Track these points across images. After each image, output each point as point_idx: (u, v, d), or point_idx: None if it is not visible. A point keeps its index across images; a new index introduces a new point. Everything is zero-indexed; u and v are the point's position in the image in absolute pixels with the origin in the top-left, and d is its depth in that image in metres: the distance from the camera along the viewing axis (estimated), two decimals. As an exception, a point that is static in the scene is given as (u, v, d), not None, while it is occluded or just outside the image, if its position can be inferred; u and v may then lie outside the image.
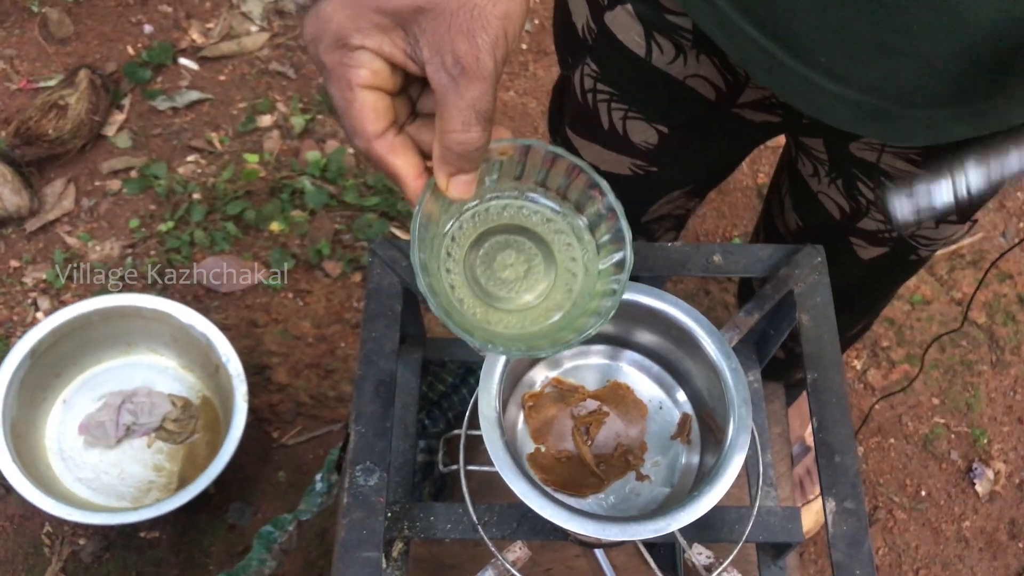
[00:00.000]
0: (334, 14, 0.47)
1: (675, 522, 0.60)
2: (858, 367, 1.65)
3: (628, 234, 0.55)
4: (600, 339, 0.73)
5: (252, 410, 1.51)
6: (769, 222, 1.08)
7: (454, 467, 0.70)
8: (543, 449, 0.71)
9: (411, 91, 0.53)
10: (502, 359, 0.65)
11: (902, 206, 0.53)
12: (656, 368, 0.73)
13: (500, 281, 0.57)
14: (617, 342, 0.73)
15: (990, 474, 1.57)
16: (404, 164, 0.51)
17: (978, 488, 1.56)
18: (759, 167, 1.84)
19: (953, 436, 1.61)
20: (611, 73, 0.81)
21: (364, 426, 0.72)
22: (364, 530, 0.69)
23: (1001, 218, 1.81)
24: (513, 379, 0.72)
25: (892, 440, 1.60)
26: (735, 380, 0.64)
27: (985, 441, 1.60)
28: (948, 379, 1.65)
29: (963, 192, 0.53)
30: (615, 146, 0.90)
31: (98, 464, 1.44)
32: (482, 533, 0.69)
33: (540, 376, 0.73)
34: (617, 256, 0.55)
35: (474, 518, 0.69)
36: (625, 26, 0.75)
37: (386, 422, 0.73)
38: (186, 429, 1.48)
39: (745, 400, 0.64)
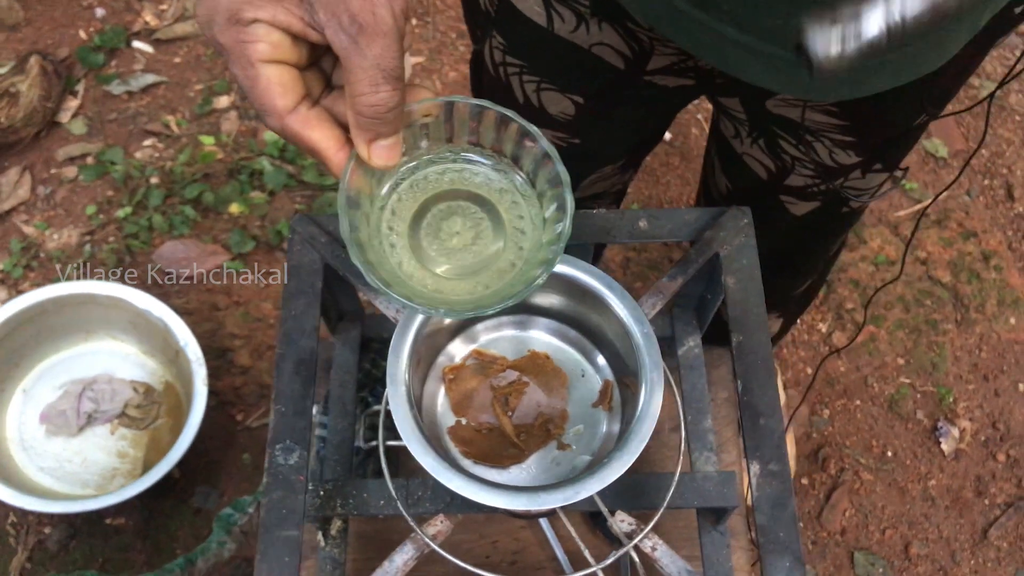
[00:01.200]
0: None
1: (584, 489, 0.60)
2: (823, 330, 1.65)
3: (565, 176, 0.52)
4: (519, 309, 0.72)
5: (215, 393, 1.51)
6: (705, 186, 1.07)
7: (374, 443, 0.69)
8: (464, 422, 0.70)
9: (323, 64, 0.51)
10: (412, 332, 0.64)
11: (824, 38, 0.44)
12: (574, 333, 0.72)
13: (449, 250, 0.55)
14: (534, 311, 0.72)
15: (955, 432, 1.58)
16: (322, 137, 0.49)
17: (944, 447, 1.56)
18: (722, 132, 1.83)
19: (919, 396, 1.61)
20: (517, 45, 0.80)
21: (284, 405, 0.72)
22: (284, 509, 0.69)
23: (966, 176, 1.80)
24: (433, 353, 0.72)
25: (858, 401, 1.60)
26: (647, 345, 0.64)
27: (951, 400, 1.60)
28: (913, 339, 1.65)
29: (895, 17, 0.44)
30: (533, 119, 0.88)
31: (61, 453, 1.44)
32: (402, 509, 0.68)
33: (460, 350, 0.73)
34: (556, 202, 0.54)
35: (392, 492, 0.68)
36: None
37: (306, 400, 0.72)
38: (149, 415, 1.47)
39: (656, 364, 0.63)
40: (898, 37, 0.45)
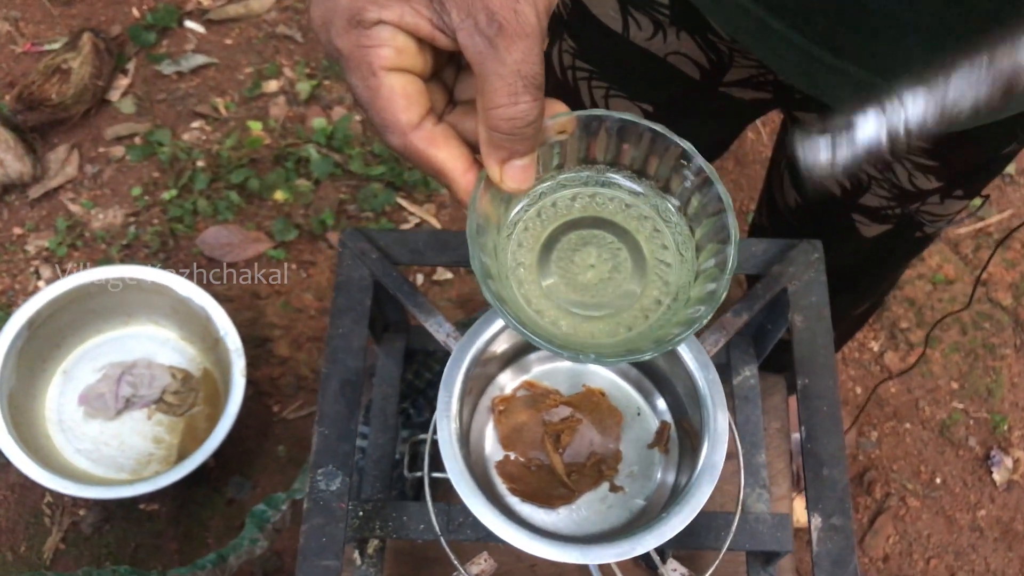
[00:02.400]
0: None
1: (640, 545, 0.57)
2: (875, 349, 1.59)
3: (727, 199, 0.45)
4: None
5: (253, 383, 1.50)
6: (770, 198, 1.03)
7: (419, 474, 0.67)
8: (512, 457, 0.67)
9: (445, 76, 0.45)
10: (465, 364, 0.62)
11: (812, 146, 0.42)
12: (635, 372, 0.69)
13: (583, 286, 0.48)
14: (593, 345, 0.69)
15: (1009, 462, 1.52)
16: (449, 156, 0.43)
17: (996, 476, 1.51)
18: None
19: (971, 422, 1.55)
20: (588, 50, 0.76)
21: (328, 428, 0.69)
22: (324, 537, 0.67)
23: (1033, 194, 1.73)
24: (483, 382, 0.69)
25: (908, 425, 1.55)
26: (712, 392, 0.60)
27: (1005, 428, 1.55)
28: (969, 363, 1.59)
29: (895, 126, 0.41)
30: None
31: (98, 436, 1.44)
32: (445, 545, 0.66)
33: (511, 379, 0.70)
34: (717, 228, 0.46)
35: (436, 529, 0.66)
36: (599, 0, 0.70)
37: (351, 423, 0.70)
38: (186, 402, 1.46)
39: (722, 413, 0.60)
40: (901, 143, 0.41)
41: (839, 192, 0.88)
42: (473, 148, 0.44)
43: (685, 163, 0.46)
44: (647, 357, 0.45)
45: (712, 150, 0.98)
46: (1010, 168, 1.74)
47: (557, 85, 0.84)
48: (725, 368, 0.89)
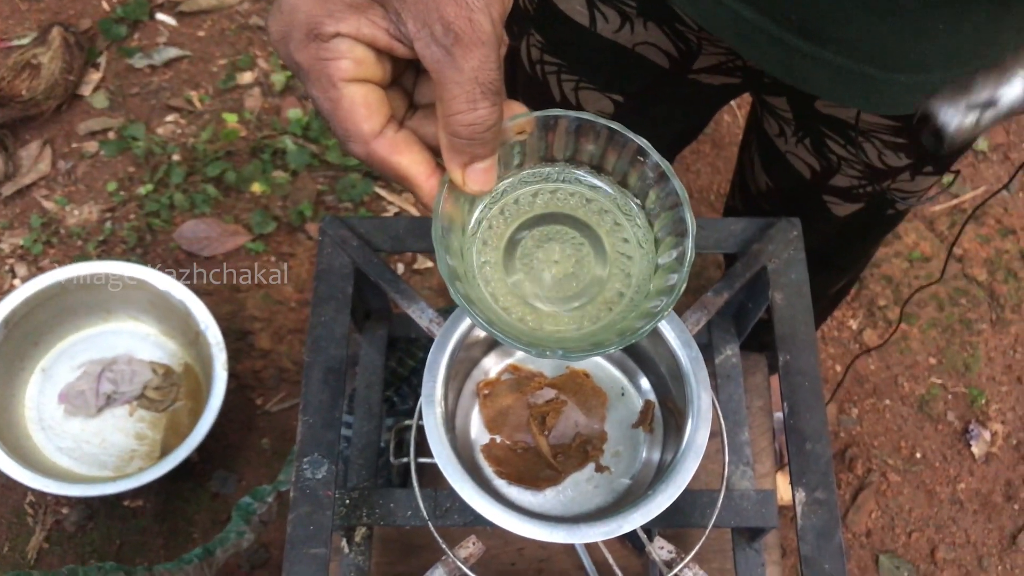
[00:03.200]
0: (299, 3, 0.41)
1: (627, 523, 0.57)
2: (854, 327, 1.61)
3: (683, 193, 0.46)
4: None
5: (235, 376, 1.49)
6: (742, 181, 1.04)
7: (404, 460, 0.67)
8: (498, 440, 0.68)
9: (404, 81, 0.46)
10: (448, 349, 0.62)
11: (956, 112, 0.42)
12: (618, 353, 0.69)
13: (548, 282, 0.50)
14: (575, 327, 0.69)
15: (987, 435, 1.54)
16: (412, 162, 0.44)
17: (974, 449, 1.53)
18: (755, 120, 1.78)
19: (950, 397, 1.57)
20: (556, 44, 0.76)
21: (312, 416, 0.69)
22: (311, 525, 0.67)
23: (1005, 170, 1.75)
24: (467, 366, 0.69)
25: (887, 401, 1.57)
26: (695, 369, 0.61)
27: (983, 402, 1.57)
28: (946, 338, 1.61)
29: None
30: None
31: (79, 433, 1.42)
32: (432, 528, 0.66)
33: (495, 363, 0.70)
34: (675, 221, 0.47)
35: (424, 513, 0.66)
36: None
37: (335, 411, 0.69)
38: (168, 397, 1.46)
39: (705, 390, 0.60)
40: None
41: (809, 175, 0.88)
42: (435, 152, 0.45)
43: (642, 159, 0.47)
44: (612, 350, 0.46)
45: (684, 136, 0.98)
46: (983, 145, 1.76)
47: (527, 80, 0.84)
48: (707, 348, 0.90)
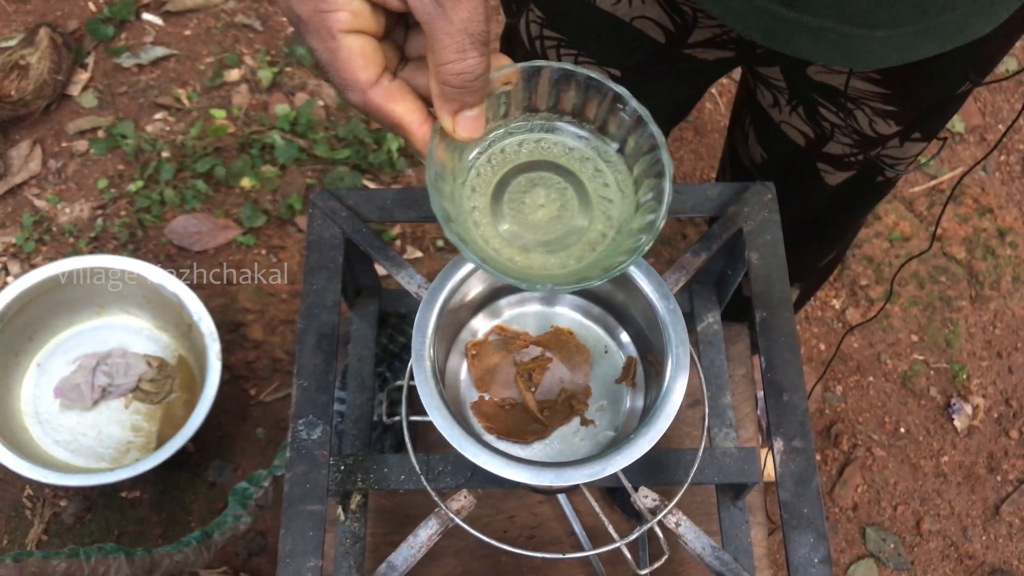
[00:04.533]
0: None
1: (611, 465, 0.59)
2: (836, 306, 1.64)
3: (660, 137, 0.49)
4: (542, 284, 0.72)
5: (229, 367, 1.51)
6: (734, 157, 1.06)
7: (397, 419, 0.69)
8: (487, 397, 0.70)
9: (396, 34, 0.49)
10: (436, 308, 0.64)
11: None
12: (598, 310, 0.72)
13: (534, 224, 0.52)
14: (559, 287, 0.72)
15: (968, 409, 1.57)
16: (406, 110, 0.46)
17: (956, 423, 1.56)
18: (736, 107, 1.81)
19: (932, 372, 1.61)
20: (556, 18, 0.79)
21: (306, 380, 0.72)
22: (308, 484, 0.69)
23: (982, 151, 1.78)
24: (455, 328, 0.72)
25: (871, 378, 1.60)
26: (672, 321, 0.63)
27: (964, 376, 1.60)
28: (927, 315, 1.64)
29: None
30: None
31: (75, 427, 1.44)
32: (425, 483, 0.68)
33: (483, 325, 0.72)
34: (652, 164, 0.50)
35: (416, 468, 0.68)
36: None
37: (328, 375, 0.72)
38: (163, 389, 1.47)
39: (683, 342, 0.63)
40: None
41: (803, 142, 0.91)
42: (426, 102, 0.48)
43: (621, 107, 0.49)
44: (597, 283, 0.49)
45: (679, 110, 1.01)
46: (959, 127, 1.80)
47: (526, 56, 0.86)
48: (689, 316, 0.93)
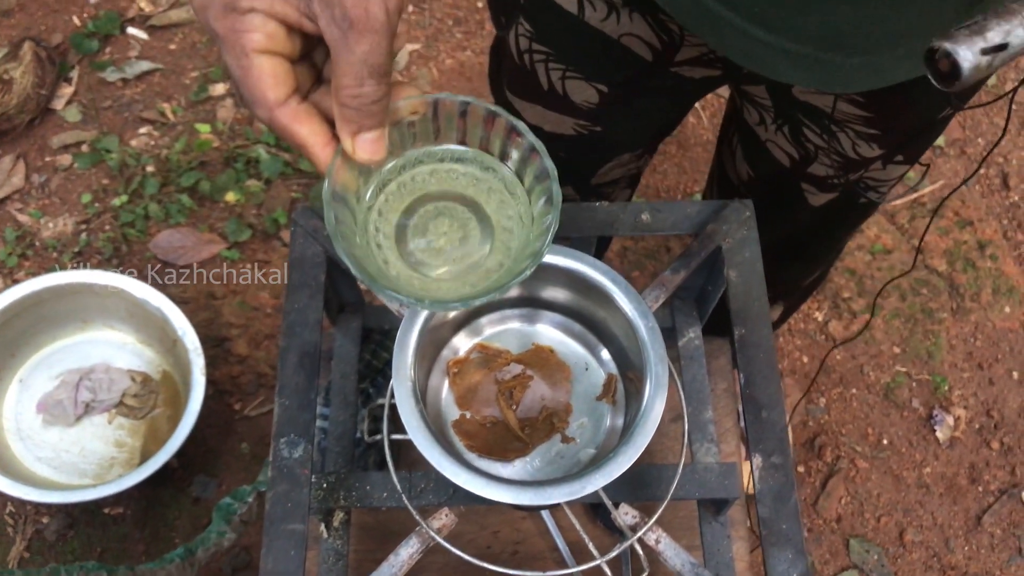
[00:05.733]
0: None
1: (590, 484, 0.60)
2: (819, 318, 1.65)
3: (553, 171, 0.51)
4: (522, 302, 0.72)
5: (213, 382, 1.51)
6: (721, 173, 1.07)
7: (378, 437, 0.69)
8: (468, 415, 0.70)
9: (315, 57, 0.51)
10: (417, 326, 0.64)
11: (972, 53, 0.44)
12: (579, 328, 0.72)
13: (436, 251, 0.54)
14: (540, 304, 0.72)
15: (950, 420, 1.59)
16: (310, 132, 0.48)
17: (939, 435, 1.57)
18: (719, 120, 1.82)
19: (914, 384, 1.62)
20: (545, 32, 0.79)
21: (288, 398, 0.72)
22: (289, 503, 0.69)
23: (962, 165, 1.80)
24: (436, 346, 0.72)
25: (854, 390, 1.61)
26: (652, 339, 0.64)
27: (946, 388, 1.61)
28: (909, 328, 1.66)
29: None
30: (556, 106, 0.89)
31: (58, 443, 1.43)
32: (406, 501, 0.68)
33: (464, 343, 0.73)
34: (544, 195, 0.52)
35: (398, 486, 0.69)
36: None
37: (310, 393, 0.72)
38: (147, 404, 1.47)
39: (662, 359, 0.63)
40: None
41: (788, 163, 0.92)
42: (333, 125, 0.49)
43: (519, 138, 0.52)
44: (478, 303, 0.52)
45: (665, 127, 1.01)
46: (940, 140, 1.81)
47: (515, 69, 0.87)
48: (671, 331, 0.93)
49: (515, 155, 0.53)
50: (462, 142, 0.54)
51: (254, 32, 0.45)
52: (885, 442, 1.58)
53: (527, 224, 0.54)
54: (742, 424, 1.34)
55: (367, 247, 0.52)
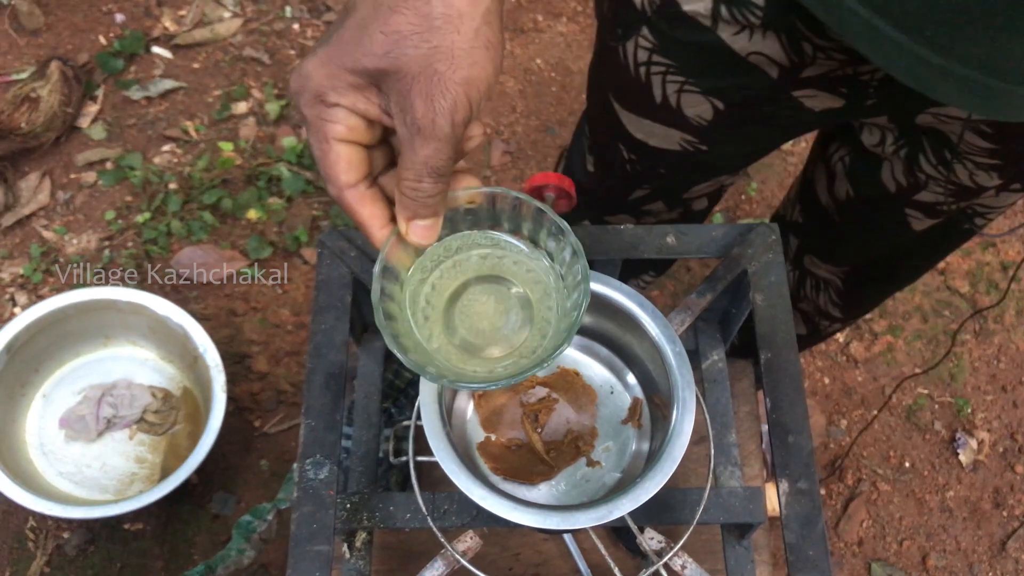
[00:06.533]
0: (314, 72, 0.50)
1: (617, 509, 0.60)
2: (840, 340, 1.64)
3: (586, 271, 0.55)
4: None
5: (233, 399, 1.52)
6: (809, 194, 1.04)
7: (404, 458, 0.69)
8: (493, 438, 0.70)
9: (393, 141, 0.56)
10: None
11: None
12: (605, 352, 0.72)
13: (478, 331, 0.58)
14: (565, 328, 0.72)
15: (974, 444, 1.57)
16: (370, 215, 0.54)
17: (962, 458, 1.56)
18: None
19: (937, 406, 1.60)
20: (670, 45, 0.78)
21: (314, 419, 0.72)
22: (314, 524, 0.69)
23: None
24: (462, 368, 0.72)
25: (875, 412, 1.60)
26: (679, 364, 0.64)
27: (969, 411, 1.60)
28: (931, 349, 1.64)
29: None
30: (666, 119, 0.88)
31: (80, 458, 1.44)
32: (431, 523, 0.68)
33: (489, 364, 0.73)
34: (575, 295, 0.56)
35: (423, 508, 0.68)
36: None
37: (336, 415, 0.72)
38: (167, 420, 1.48)
39: (689, 384, 0.63)
40: None
41: (894, 189, 0.89)
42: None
43: (562, 238, 0.55)
44: (501, 385, 0.55)
45: (757, 155, 1.00)
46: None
47: (626, 80, 0.86)
48: (694, 353, 0.93)
49: (560, 254, 0.57)
50: (516, 231, 0.58)
51: (337, 124, 0.51)
52: (907, 465, 1.56)
53: (562, 315, 0.57)
54: (764, 447, 1.33)
55: (411, 318, 0.56)
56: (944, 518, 1.52)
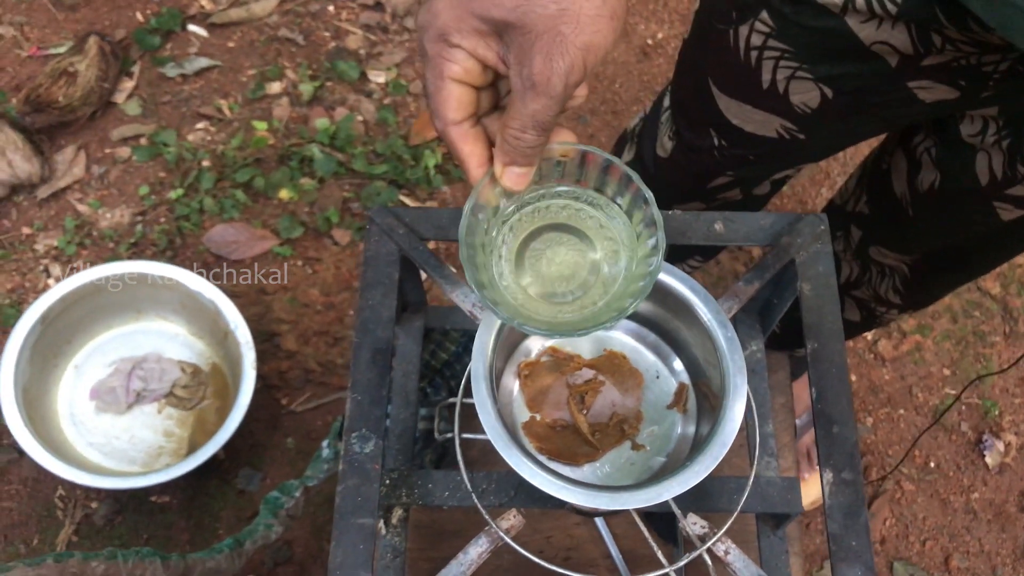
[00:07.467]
0: (442, 11, 0.53)
1: (666, 491, 0.60)
2: (868, 337, 1.64)
3: (663, 242, 0.57)
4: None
5: (261, 377, 1.52)
6: (881, 183, 1.02)
7: (449, 435, 0.70)
8: (538, 418, 0.71)
9: (500, 85, 0.58)
10: (495, 328, 0.65)
11: None
12: (652, 336, 0.72)
13: (545, 276, 0.60)
14: (614, 311, 0.72)
15: (1000, 446, 1.56)
16: (471, 152, 0.56)
17: (988, 460, 1.55)
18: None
19: (963, 407, 1.60)
20: (791, 29, 0.77)
21: (360, 394, 0.72)
22: (359, 497, 0.70)
23: None
24: (509, 348, 0.72)
25: (902, 411, 1.59)
26: (730, 349, 0.64)
27: (996, 413, 1.59)
28: (960, 350, 1.63)
29: None
30: (768, 106, 0.87)
31: (109, 429, 1.46)
32: (476, 501, 0.69)
33: (536, 345, 0.73)
34: (651, 241, 0.58)
35: (468, 486, 0.69)
36: None
37: (382, 390, 0.73)
38: (196, 395, 1.49)
39: (740, 369, 0.63)
40: None
41: (987, 180, 0.87)
42: (493, 147, 0.57)
43: (646, 205, 0.57)
44: (608, 326, 0.57)
45: (844, 147, 0.98)
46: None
47: (731, 63, 0.85)
48: (732, 343, 0.93)
49: (637, 216, 0.59)
50: (598, 190, 0.60)
51: (455, 64, 0.54)
52: (932, 465, 1.56)
53: (631, 273, 0.60)
54: (804, 439, 1.32)
55: (488, 256, 0.59)
56: (968, 519, 1.52)
